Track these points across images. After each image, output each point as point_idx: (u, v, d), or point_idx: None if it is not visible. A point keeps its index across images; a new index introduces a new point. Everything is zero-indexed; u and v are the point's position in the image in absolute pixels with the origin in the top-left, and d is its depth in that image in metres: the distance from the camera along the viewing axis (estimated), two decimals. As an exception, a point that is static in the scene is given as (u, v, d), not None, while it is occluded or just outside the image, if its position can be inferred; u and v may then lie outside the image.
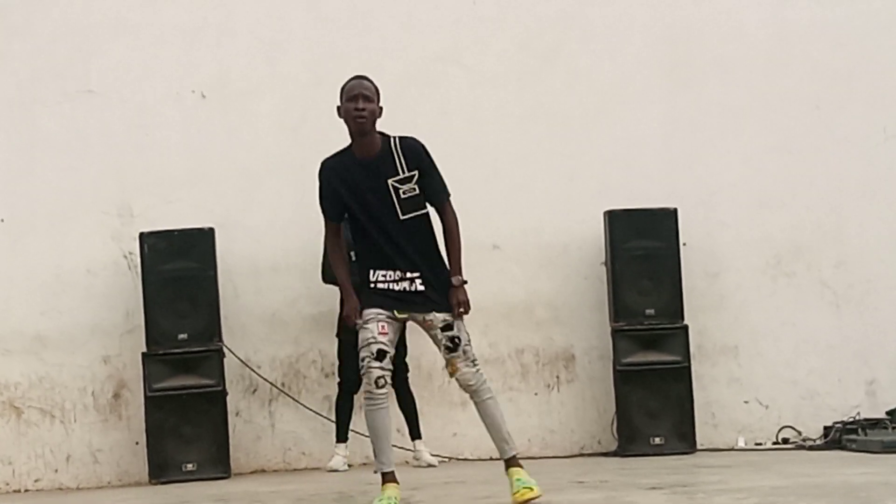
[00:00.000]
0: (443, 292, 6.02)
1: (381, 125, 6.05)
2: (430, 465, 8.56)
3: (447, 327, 5.99)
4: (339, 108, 6.01)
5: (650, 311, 8.77)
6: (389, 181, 5.93)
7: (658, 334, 8.76)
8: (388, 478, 6.02)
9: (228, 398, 8.67)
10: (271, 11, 9.24)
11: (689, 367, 8.78)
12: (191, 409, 8.50)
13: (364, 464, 8.87)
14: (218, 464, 8.50)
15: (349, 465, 8.62)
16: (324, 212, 6.10)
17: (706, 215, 9.21)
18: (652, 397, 8.68)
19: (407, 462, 8.66)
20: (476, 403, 6.12)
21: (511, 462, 6.15)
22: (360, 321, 5.96)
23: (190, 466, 8.46)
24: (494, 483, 7.25)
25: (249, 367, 8.93)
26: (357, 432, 8.72)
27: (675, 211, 8.87)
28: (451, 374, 6.08)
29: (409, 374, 8.60)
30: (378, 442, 5.97)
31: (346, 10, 9.27)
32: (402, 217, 5.93)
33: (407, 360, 8.60)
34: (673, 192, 9.07)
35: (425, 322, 6.04)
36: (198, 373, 8.52)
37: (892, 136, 9.39)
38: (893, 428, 8.49)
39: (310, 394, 8.99)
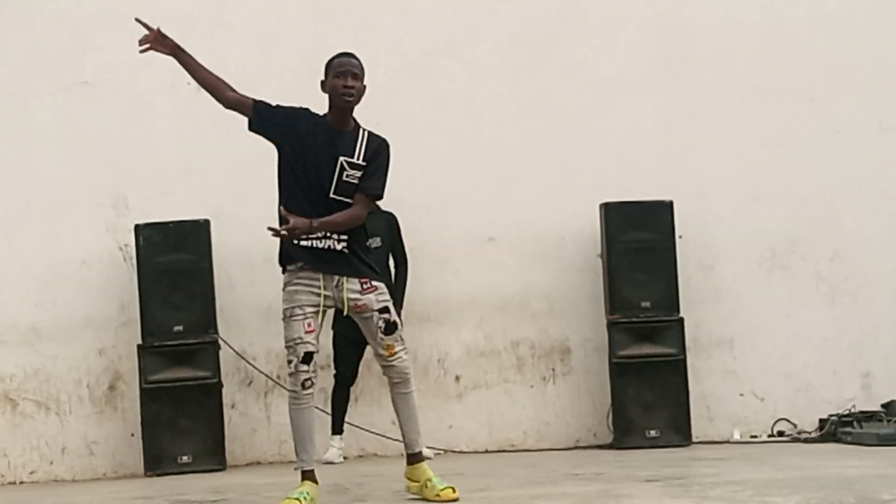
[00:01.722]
0: (362, 261, 5.96)
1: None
2: (425, 458, 8.54)
3: (384, 310, 5.99)
4: (323, 82, 6.02)
5: (646, 304, 8.77)
6: (342, 157, 5.92)
7: (653, 327, 8.76)
8: (307, 475, 6.06)
9: (224, 390, 8.65)
10: (266, 3, 9.23)
11: (684, 360, 8.78)
12: (186, 401, 8.49)
13: (360, 456, 8.89)
14: (213, 456, 8.50)
15: (344, 458, 8.62)
16: (264, 104, 5.92)
17: (702, 208, 9.21)
18: (647, 390, 8.69)
19: (402, 454, 8.64)
20: (400, 394, 6.15)
21: (420, 457, 6.26)
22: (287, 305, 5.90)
23: (185, 458, 8.45)
24: (490, 475, 7.27)
25: (245, 360, 8.92)
26: (353, 424, 8.73)
27: (670, 203, 8.87)
28: (388, 359, 6.03)
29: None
30: (301, 441, 6.05)
31: (340, 2, 9.25)
32: (331, 195, 5.91)
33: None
34: (668, 185, 9.07)
35: (357, 307, 5.95)
36: (193, 365, 8.52)
37: (888, 129, 9.40)
38: (888, 421, 8.51)
39: (305, 386, 8.97)
